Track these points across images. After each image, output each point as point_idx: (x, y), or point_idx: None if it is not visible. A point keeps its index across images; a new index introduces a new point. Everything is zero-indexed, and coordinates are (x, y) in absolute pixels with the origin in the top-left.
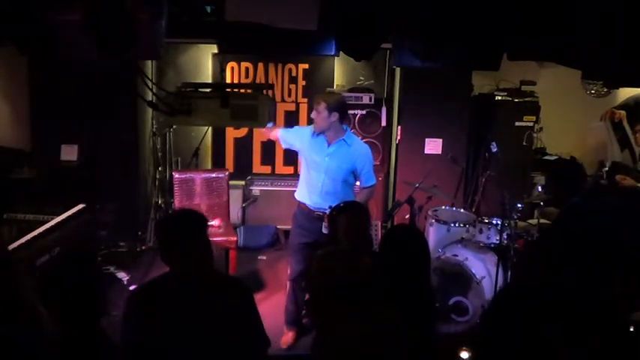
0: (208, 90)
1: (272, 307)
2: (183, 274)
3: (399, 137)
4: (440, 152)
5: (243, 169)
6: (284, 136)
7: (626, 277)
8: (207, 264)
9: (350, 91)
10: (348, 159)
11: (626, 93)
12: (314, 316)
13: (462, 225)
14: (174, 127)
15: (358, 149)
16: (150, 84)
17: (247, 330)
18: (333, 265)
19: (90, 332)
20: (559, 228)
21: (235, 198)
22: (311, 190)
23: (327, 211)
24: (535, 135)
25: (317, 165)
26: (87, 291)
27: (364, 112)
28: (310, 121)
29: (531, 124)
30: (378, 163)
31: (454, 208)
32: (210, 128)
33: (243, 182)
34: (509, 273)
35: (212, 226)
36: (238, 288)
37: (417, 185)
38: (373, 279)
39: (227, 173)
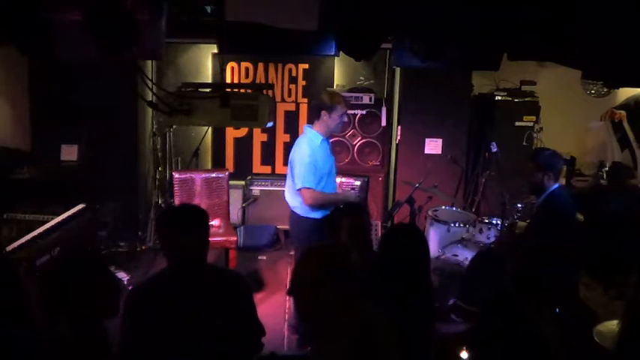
0: (208, 90)
1: (272, 307)
2: (175, 266)
3: (399, 137)
4: (440, 152)
5: (243, 169)
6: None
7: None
8: (199, 259)
9: (350, 91)
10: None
11: (626, 93)
12: (302, 313)
13: (462, 225)
14: (174, 127)
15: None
16: (150, 84)
17: (242, 321)
18: (317, 256)
19: (92, 332)
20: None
21: (235, 198)
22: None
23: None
24: (535, 135)
25: (331, 169)
26: (91, 291)
27: (364, 112)
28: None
29: (531, 124)
30: (379, 163)
31: (454, 208)
32: (210, 128)
33: (243, 182)
34: None
35: (212, 226)
36: (232, 280)
37: (417, 185)
38: (361, 274)
39: (227, 173)
